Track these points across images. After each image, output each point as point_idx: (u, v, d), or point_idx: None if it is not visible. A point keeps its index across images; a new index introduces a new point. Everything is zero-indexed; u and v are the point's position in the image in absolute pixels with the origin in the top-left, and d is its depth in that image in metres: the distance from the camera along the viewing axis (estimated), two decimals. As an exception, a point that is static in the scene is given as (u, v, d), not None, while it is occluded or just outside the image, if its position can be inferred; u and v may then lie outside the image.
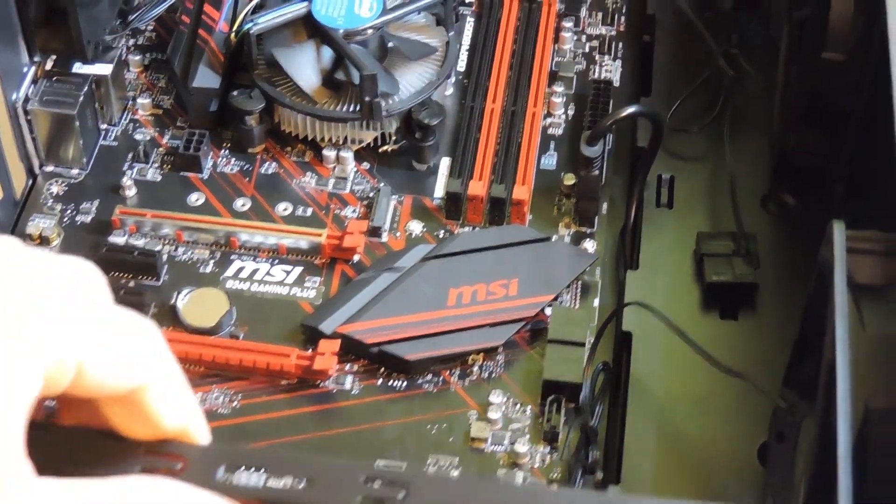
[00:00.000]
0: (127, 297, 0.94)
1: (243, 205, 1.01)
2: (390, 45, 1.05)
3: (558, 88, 1.08)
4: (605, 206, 1.01)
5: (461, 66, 1.10)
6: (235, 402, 0.91)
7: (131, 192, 1.02)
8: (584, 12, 1.15)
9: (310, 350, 0.92)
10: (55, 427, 0.62)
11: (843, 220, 0.74)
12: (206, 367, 0.92)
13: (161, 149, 1.05)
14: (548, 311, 0.94)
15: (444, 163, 1.04)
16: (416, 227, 1.00)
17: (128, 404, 0.60)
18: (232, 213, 1.01)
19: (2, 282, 0.56)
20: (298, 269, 0.98)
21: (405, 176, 1.03)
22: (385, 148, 1.04)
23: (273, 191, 1.02)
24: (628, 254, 0.98)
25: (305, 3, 1.04)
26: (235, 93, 1.03)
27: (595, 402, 0.89)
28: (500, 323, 0.93)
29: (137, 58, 1.10)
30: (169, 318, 0.95)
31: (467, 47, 1.12)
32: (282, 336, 0.94)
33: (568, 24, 1.13)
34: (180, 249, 0.99)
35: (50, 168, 1.04)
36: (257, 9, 1.06)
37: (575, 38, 1.13)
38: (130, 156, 1.04)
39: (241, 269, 0.98)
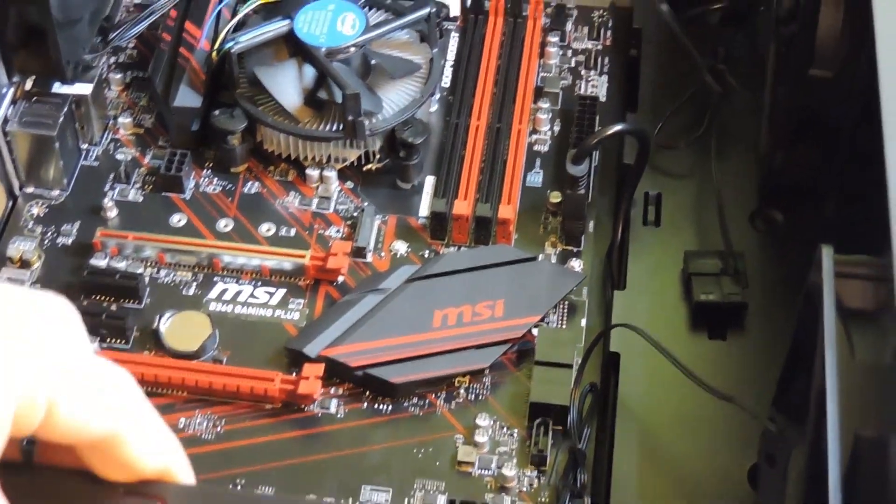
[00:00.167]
0: (108, 321, 0.93)
1: (226, 225, 1.00)
2: (373, 62, 1.04)
3: (544, 104, 1.07)
4: (591, 224, 1.00)
5: (445, 82, 1.09)
6: (219, 428, 0.90)
7: (112, 213, 1.01)
8: (569, 27, 1.14)
9: (294, 373, 0.91)
10: (34, 469, 0.61)
11: (832, 240, 0.73)
12: (189, 392, 0.91)
13: (142, 169, 1.04)
14: (534, 331, 0.93)
15: (429, 181, 1.03)
16: (401, 247, 0.99)
17: (103, 450, 0.59)
18: (214, 234, 1.00)
19: None
20: (282, 291, 0.97)
21: (389, 195, 1.03)
22: (369, 167, 1.03)
23: (256, 211, 1.01)
24: (615, 273, 0.98)
25: (287, 21, 1.03)
26: (217, 112, 1.02)
27: (583, 425, 0.89)
28: (487, 345, 0.92)
29: (118, 76, 1.09)
30: (151, 341, 0.94)
31: (452, 63, 1.11)
32: (266, 359, 0.93)
33: (553, 38, 1.12)
34: (162, 272, 0.98)
35: (30, 189, 1.03)
36: (239, 27, 1.05)
37: (560, 52, 1.12)
38: (112, 176, 1.03)
39: (224, 292, 0.97)
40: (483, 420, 0.90)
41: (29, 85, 1.01)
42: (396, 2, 1.08)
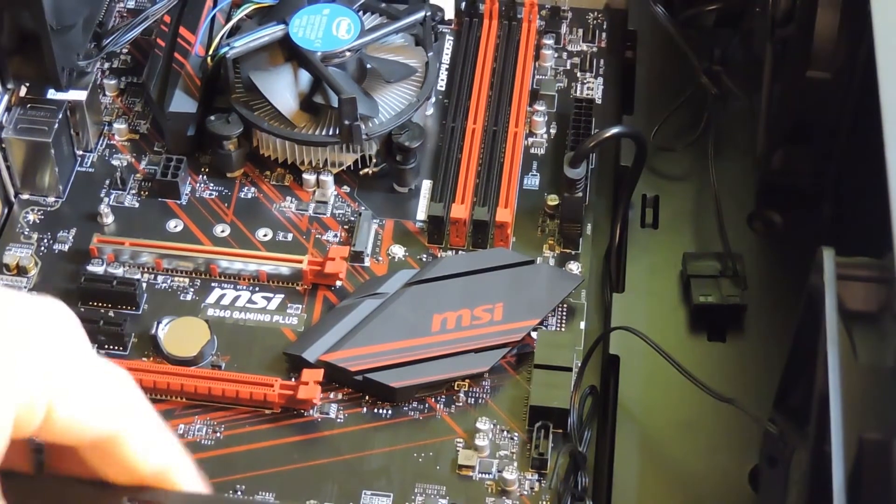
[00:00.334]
0: (106, 328, 0.93)
1: (223, 231, 1.00)
2: (369, 66, 1.04)
3: (540, 107, 1.07)
4: (589, 227, 1.00)
5: (441, 85, 1.09)
6: (219, 433, 0.90)
7: (109, 219, 1.00)
8: (564, 29, 1.14)
9: (293, 379, 0.91)
10: (36, 477, 0.61)
11: (829, 241, 0.73)
12: (188, 397, 0.91)
13: (138, 175, 1.04)
14: (534, 334, 0.93)
15: (426, 185, 1.03)
16: (399, 251, 0.99)
17: (105, 450, 0.60)
18: (211, 240, 1.00)
19: None
20: (280, 296, 0.97)
21: (386, 199, 1.02)
22: (366, 171, 1.03)
23: (253, 216, 1.01)
24: (614, 276, 0.97)
25: (282, 26, 1.03)
26: (213, 117, 1.02)
27: (583, 428, 0.89)
28: (486, 348, 0.92)
29: (113, 82, 1.09)
30: (149, 348, 0.93)
31: (447, 66, 1.11)
32: (264, 364, 0.93)
33: (548, 41, 1.12)
34: (160, 278, 0.97)
35: (26, 196, 1.02)
36: (233, 32, 1.05)
37: (556, 55, 1.12)
38: (107, 182, 1.03)
39: (221, 297, 0.97)
40: (483, 424, 0.90)
41: (23, 91, 1.01)
42: (391, 6, 1.08)
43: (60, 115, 1.00)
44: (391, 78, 1.04)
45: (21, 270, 0.97)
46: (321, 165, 1.02)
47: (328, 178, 1.02)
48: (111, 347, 0.93)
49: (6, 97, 1.00)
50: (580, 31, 1.14)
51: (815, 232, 0.94)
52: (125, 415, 0.60)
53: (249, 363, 0.93)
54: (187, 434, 0.89)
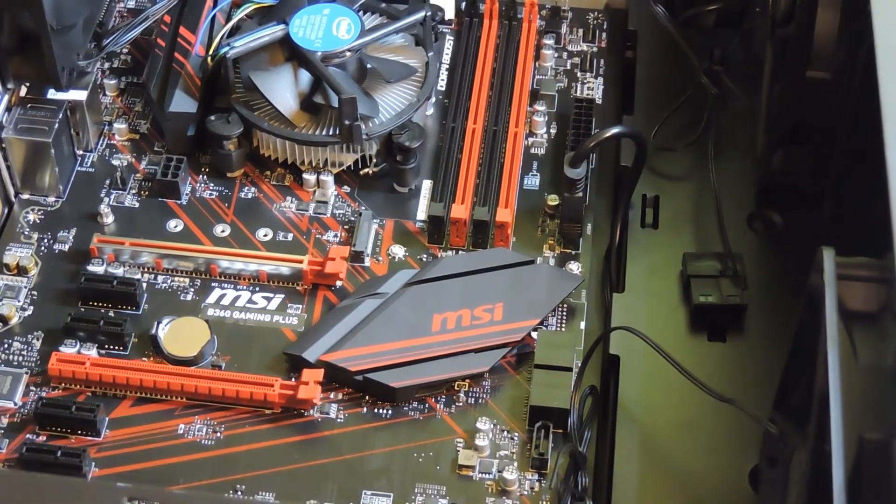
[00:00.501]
0: (106, 328, 0.93)
1: (223, 231, 1.00)
2: (369, 66, 1.04)
3: (540, 107, 1.07)
4: (589, 227, 1.00)
5: (441, 85, 1.09)
6: (219, 433, 0.90)
7: (109, 219, 1.00)
8: (564, 29, 1.14)
9: (293, 378, 0.91)
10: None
11: (829, 241, 0.73)
12: (188, 397, 0.91)
13: (138, 175, 1.04)
14: (534, 334, 0.93)
15: (426, 185, 1.03)
16: (399, 251, 0.99)
17: None
18: (211, 240, 0.99)
19: None
20: (280, 296, 0.97)
21: (386, 199, 1.02)
22: (366, 171, 1.03)
23: (253, 216, 1.01)
24: (614, 276, 0.97)
25: (282, 26, 1.03)
26: (213, 117, 1.02)
27: (583, 428, 0.89)
28: (486, 348, 0.92)
29: (113, 82, 1.09)
30: (150, 348, 0.93)
31: (447, 66, 1.11)
32: (264, 364, 0.93)
33: (548, 41, 1.12)
34: (160, 278, 0.97)
35: (26, 196, 1.02)
36: (233, 32, 1.05)
37: (556, 55, 1.12)
38: (108, 182, 1.03)
39: (222, 297, 0.97)
40: (483, 424, 0.90)
41: (24, 91, 1.01)
42: (391, 6, 1.08)
43: (60, 115, 1.00)
44: (391, 78, 1.04)
45: (21, 270, 0.97)
46: (321, 165, 1.02)
47: (328, 178, 1.02)
48: (111, 347, 0.93)
49: (6, 97, 1.00)
50: (580, 31, 1.14)
51: (815, 232, 0.94)
52: None
53: (249, 363, 0.93)
54: (187, 434, 0.89)
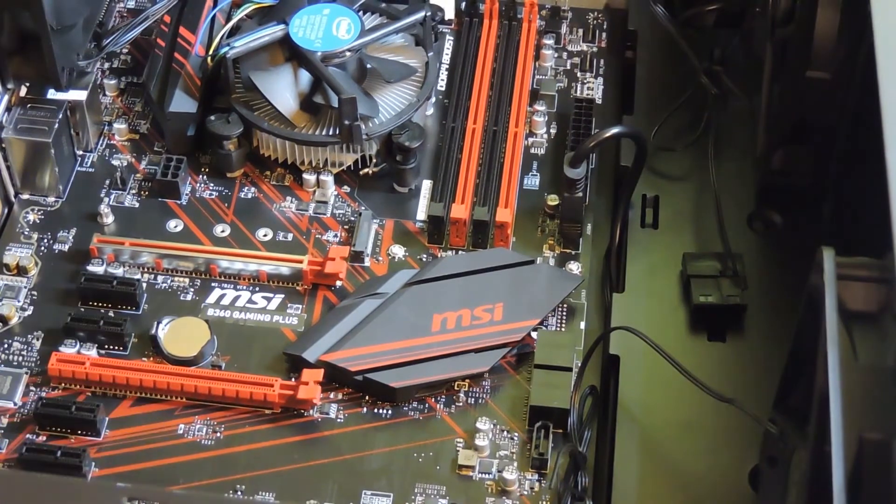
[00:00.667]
0: (106, 328, 0.93)
1: (223, 231, 1.00)
2: (369, 66, 1.04)
3: (540, 107, 1.07)
4: (589, 227, 1.00)
5: (441, 85, 1.09)
6: (219, 433, 0.90)
7: (109, 219, 1.00)
8: (564, 29, 1.14)
9: (293, 378, 0.91)
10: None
11: (831, 242, 0.73)
12: (188, 397, 0.91)
13: (138, 175, 1.04)
14: (533, 334, 0.93)
15: (426, 185, 1.03)
16: (399, 251, 0.99)
17: None
18: (211, 240, 0.99)
19: None
20: (280, 296, 0.97)
21: (386, 199, 1.02)
22: (366, 171, 1.03)
23: (253, 216, 1.01)
24: (614, 276, 0.97)
25: (282, 26, 1.03)
26: (213, 117, 1.02)
27: (583, 428, 0.88)
28: (486, 348, 0.92)
29: (113, 82, 1.09)
30: (150, 348, 0.93)
31: (447, 66, 1.11)
32: (264, 364, 0.93)
33: (548, 41, 1.12)
34: (160, 278, 0.97)
35: (26, 196, 1.02)
36: (233, 32, 1.05)
37: (556, 55, 1.12)
38: (108, 182, 1.03)
39: (221, 297, 0.97)
40: (483, 424, 0.90)
41: (23, 91, 1.01)
42: (391, 6, 1.08)
43: (60, 115, 1.00)
44: (391, 78, 1.04)
45: (21, 270, 0.97)
46: (321, 165, 1.02)
47: (328, 178, 1.02)
48: (111, 347, 0.93)
49: (6, 97, 1.00)
50: (580, 31, 1.14)
51: (815, 232, 0.94)
52: None
53: (249, 363, 0.93)
54: (187, 434, 0.89)
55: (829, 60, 0.88)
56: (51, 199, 1.02)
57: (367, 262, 0.99)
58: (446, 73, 1.10)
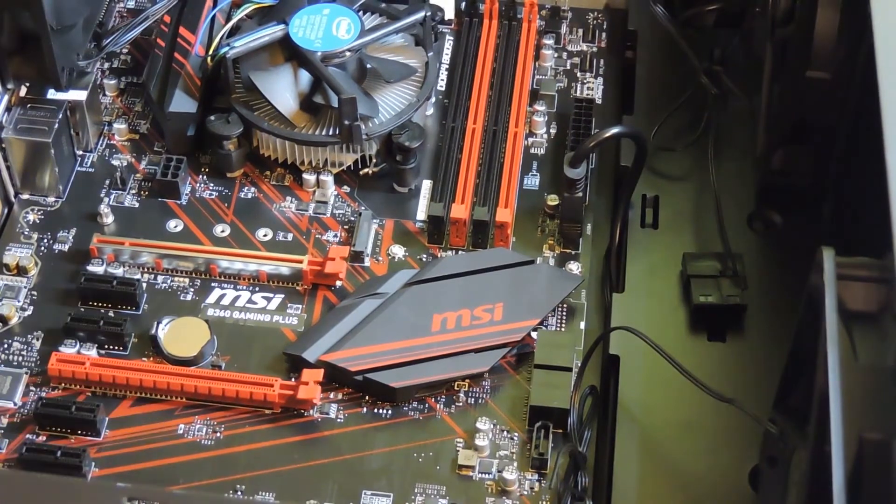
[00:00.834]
0: (106, 328, 0.93)
1: (223, 231, 1.00)
2: (369, 66, 1.04)
3: (540, 107, 1.07)
4: (589, 227, 1.00)
5: (441, 85, 1.09)
6: (219, 433, 0.90)
7: (109, 219, 1.00)
8: (564, 29, 1.14)
9: (293, 378, 0.91)
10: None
11: (831, 242, 0.73)
12: (188, 397, 0.91)
13: (138, 175, 1.04)
14: (533, 334, 0.93)
15: (426, 185, 1.03)
16: (399, 251, 0.99)
17: None
18: (211, 240, 0.99)
19: None
20: (280, 296, 0.97)
21: (386, 199, 1.02)
22: (366, 171, 1.03)
23: (253, 216, 1.01)
24: (614, 276, 0.97)
25: (282, 26, 1.03)
26: (213, 117, 1.02)
27: (583, 428, 0.88)
28: (486, 348, 0.92)
29: (113, 82, 1.09)
30: (150, 348, 0.93)
31: (447, 66, 1.11)
32: (264, 364, 0.93)
33: (548, 41, 1.12)
34: (160, 278, 0.97)
35: (26, 196, 1.02)
36: (233, 32, 1.05)
37: (556, 55, 1.12)
38: (107, 182, 1.03)
39: (221, 297, 0.97)
40: (483, 424, 0.90)
41: (23, 91, 1.01)
42: (391, 6, 1.08)
43: (60, 115, 1.00)
44: (391, 78, 1.04)
45: (21, 270, 0.97)
46: (321, 165, 1.02)
47: (328, 178, 1.02)
48: (111, 347, 0.93)
49: (6, 97, 1.00)
50: (580, 31, 1.14)
51: (815, 232, 0.94)
52: None
53: (249, 363, 0.93)
54: (187, 434, 0.89)
55: (829, 60, 0.88)
56: (51, 199, 1.02)
57: (367, 262, 0.99)
58: (446, 73, 1.10)
